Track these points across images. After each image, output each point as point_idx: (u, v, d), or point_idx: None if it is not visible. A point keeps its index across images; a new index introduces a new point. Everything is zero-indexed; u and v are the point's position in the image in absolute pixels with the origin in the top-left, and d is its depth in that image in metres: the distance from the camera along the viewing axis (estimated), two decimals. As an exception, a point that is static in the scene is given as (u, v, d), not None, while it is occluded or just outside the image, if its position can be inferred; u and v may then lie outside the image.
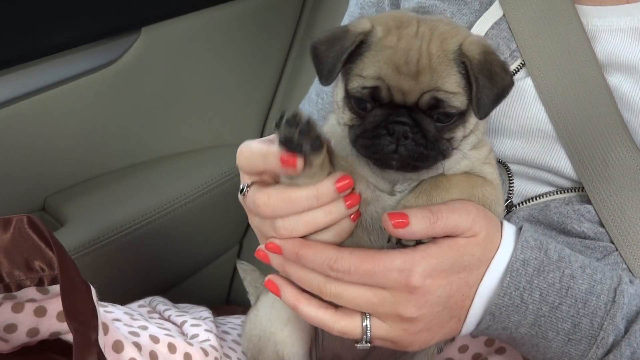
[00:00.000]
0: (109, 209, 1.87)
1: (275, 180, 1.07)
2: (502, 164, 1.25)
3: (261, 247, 1.11)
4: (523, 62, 1.23)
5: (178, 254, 2.04)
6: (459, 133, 1.02)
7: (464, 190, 1.05)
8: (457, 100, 0.99)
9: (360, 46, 1.00)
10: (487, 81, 0.99)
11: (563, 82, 1.19)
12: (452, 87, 0.98)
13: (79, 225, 1.80)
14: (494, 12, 1.28)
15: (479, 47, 1.01)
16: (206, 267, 2.16)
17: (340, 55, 1.00)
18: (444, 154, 1.01)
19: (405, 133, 0.98)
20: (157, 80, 1.98)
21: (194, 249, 2.08)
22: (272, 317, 1.19)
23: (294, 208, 1.02)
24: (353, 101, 1.01)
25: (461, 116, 1.01)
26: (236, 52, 2.12)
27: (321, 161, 0.99)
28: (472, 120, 1.03)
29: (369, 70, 0.98)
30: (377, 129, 0.99)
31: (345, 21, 1.55)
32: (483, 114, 1.01)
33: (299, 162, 0.97)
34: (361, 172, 1.07)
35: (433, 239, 1.02)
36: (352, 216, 1.05)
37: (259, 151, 1.03)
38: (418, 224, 0.99)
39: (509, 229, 1.07)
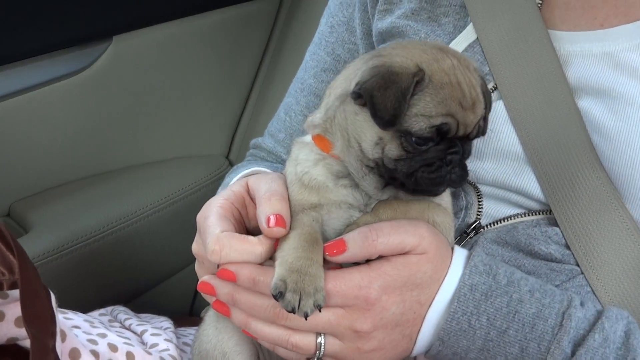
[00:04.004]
0: (75, 217, 1.85)
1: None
2: (472, 185, 1.26)
3: (205, 278, 1.10)
4: (495, 85, 1.24)
5: (142, 264, 2.02)
6: None
7: (412, 211, 1.07)
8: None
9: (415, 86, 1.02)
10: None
11: (533, 104, 1.21)
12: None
13: (43, 232, 1.79)
14: (468, 35, 1.29)
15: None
16: (170, 278, 2.15)
17: (402, 97, 0.99)
18: None
19: (458, 162, 1.03)
20: (127, 89, 1.98)
21: (159, 260, 2.07)
22: (219, 327, 1.19)
23: None
24: (414, 139, 1.01)
25: None
26: (207, 63, 2.13)
27: None
28: None
29: (438, 109, 1.00)
30: (436, 161, 1.02)
31: (315, 40, 1.54)
32: None
33: None
34: (335, 198, 1.08)
35: (386, 257, 1.03)
36: None
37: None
38: (355, 245, 1.01)
39: (460, 254, 1.09)
